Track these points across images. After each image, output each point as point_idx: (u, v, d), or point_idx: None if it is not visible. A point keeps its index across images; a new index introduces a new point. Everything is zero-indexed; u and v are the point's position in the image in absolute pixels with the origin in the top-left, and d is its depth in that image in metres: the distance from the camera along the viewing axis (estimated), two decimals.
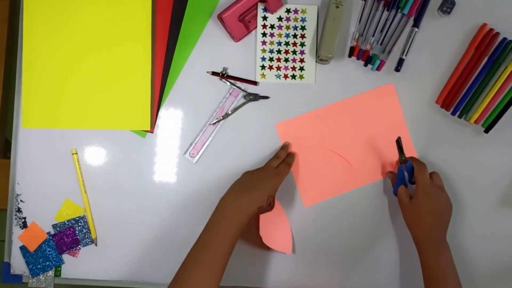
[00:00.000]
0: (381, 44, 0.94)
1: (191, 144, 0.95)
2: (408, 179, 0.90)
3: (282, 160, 0.92)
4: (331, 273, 0.95)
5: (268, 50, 0.95)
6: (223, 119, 0.94)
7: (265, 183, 0.86)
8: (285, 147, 0.94)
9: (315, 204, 0.95)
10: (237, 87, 0.94)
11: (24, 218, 0.94)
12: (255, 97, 0.95)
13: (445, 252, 0.86)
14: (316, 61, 0.95)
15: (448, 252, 0.86)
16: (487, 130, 0.94)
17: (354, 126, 0.95)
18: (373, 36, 0.93)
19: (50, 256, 0.94)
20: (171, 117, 0.95)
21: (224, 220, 0.81)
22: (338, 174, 0.95)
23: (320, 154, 0.95)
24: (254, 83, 0.95)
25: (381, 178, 0.95)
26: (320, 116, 0.95)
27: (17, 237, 0.94)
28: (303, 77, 0.95)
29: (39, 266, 0.94)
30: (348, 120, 0.95)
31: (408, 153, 0.92)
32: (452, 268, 0.85)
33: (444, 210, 0.88)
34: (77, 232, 0.94)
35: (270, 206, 0.86)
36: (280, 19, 0.95)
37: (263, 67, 0.95)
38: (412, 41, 0.93)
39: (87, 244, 0.94)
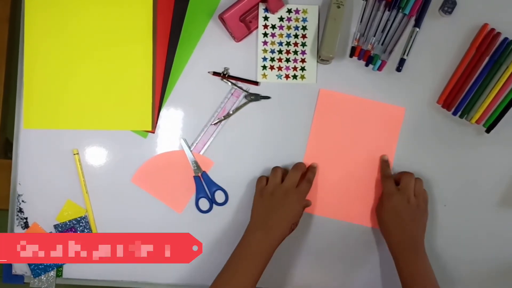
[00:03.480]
0: (382, 44, 0.94)
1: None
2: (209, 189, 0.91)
3: (301, 173, 0.91)
4: (327, 273, 0.95)
5: (269, 50, 0.95)
6: (224, 119, 0.94)
7: (289, 214, 0.86)
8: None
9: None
10: (239, 87, 0.94)
11: (26, 218, 0.94)
12: (257, 97, 0.95)
13: (423, 258, 0.85)
14: (317, 61, 0.95)
15: (426, 258, 0.85)
16: (488, 130, 0.94)
17: (354, 129, 0.95)
18: (374, 36, 0.93)
19: None
20: (172, 117, 0.95)
21: (246, 261, 0.82)
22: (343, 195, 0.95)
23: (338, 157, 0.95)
24: (256, 83, 0.95)
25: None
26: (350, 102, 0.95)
27: None
28: (304, 77, 0.95)
29: (40, 266, 0.94)
30: (351, 120, 0.95)
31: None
32: (430, 275, 0.84)
33: (421, 215, 0.88)
34: (78, 232, 0.94)
35: (293, 231, 0.88)
36: (281, 19, 0.95)
37: (264, 67, 0.95)
38: (413, 41, 0.93)
39: None
